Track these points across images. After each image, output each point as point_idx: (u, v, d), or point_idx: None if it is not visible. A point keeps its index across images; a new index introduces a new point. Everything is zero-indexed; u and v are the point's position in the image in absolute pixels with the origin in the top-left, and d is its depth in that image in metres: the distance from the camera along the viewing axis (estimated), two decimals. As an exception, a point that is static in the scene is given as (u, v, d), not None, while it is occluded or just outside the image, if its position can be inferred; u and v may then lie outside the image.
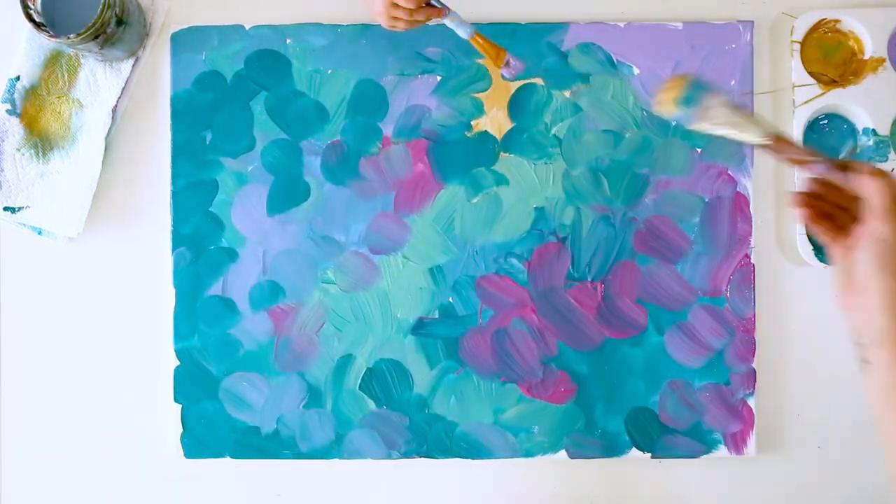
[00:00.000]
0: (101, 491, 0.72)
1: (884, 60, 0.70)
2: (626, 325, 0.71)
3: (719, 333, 0.70)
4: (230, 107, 0.72)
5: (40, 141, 0.71)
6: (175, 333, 0.71)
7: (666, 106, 0.53)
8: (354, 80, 0.71)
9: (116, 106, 0.71)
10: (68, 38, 0.65)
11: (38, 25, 0.65)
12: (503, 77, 0.70)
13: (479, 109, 0.71)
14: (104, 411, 0.72)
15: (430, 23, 0.63)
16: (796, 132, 0.70)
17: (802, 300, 0.72)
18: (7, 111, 0.71)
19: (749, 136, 0.52)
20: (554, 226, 0.71)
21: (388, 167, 0.71)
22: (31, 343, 0.72)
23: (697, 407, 0.71)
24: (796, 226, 0.70)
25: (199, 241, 0.71)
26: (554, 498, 0.72)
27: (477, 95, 0.71)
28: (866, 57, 0.71)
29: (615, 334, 0.71)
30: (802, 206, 0.52)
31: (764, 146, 0.51)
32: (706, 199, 0.71)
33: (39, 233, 0.72)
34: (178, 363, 0.71)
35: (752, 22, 0.71)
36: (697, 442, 0.70)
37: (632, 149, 0.71)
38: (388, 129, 0.71)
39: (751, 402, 0.70)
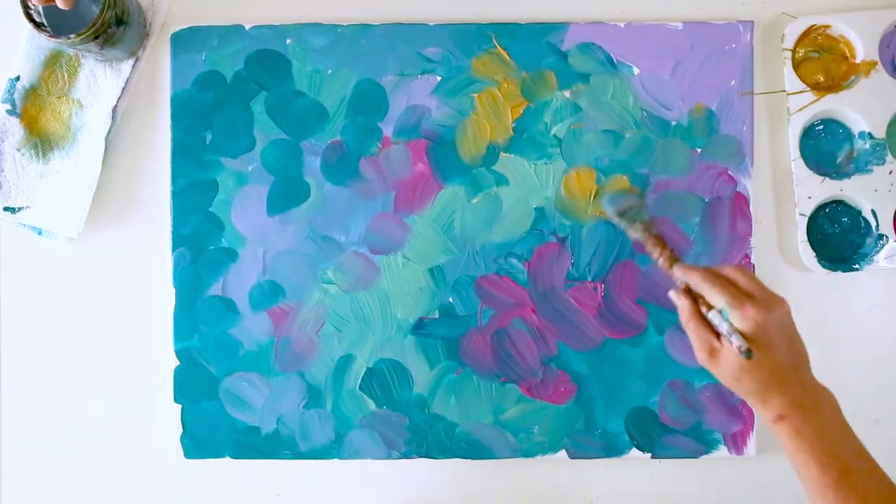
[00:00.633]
0: (101, 491, 0.72)
1: (875, 63, 0.70)
2: (626, 325, 0.71)
3: (719, 333, 0.70)
4: (230, 107, 0.72)
5: (40, 141, 0.71)
6: (175, 333, 0.71)
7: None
8: (354, 80, 0.71)
9: (116, 106, 0.71)
10: (68, 38, 0.65)
11: (38, 25, 0.65)
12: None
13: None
14: (104, 411, 0.72)
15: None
16: (792, 139, 0.70)
17: (802, 300, 0.72)
18: (7, 111, 0.71)
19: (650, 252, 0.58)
20: (554, 226, 0.71)
21: (388, 167, 0.71)
22: (31, 343, 0.72)
23: (697, 407, 0.70)
24: (798, 232, 0.70)
25: (199, 241, 0.71)
26: (554, 498, 0.72)
27: (476, 96, 0.71)
28: (858, 61, 0.71)
29: (615, 334, 0.71)
30: (685, 298, 0.55)
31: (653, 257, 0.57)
32: (706, 199, 0.71)
33: (39, 233, 0.72)
34: (178, 363, 0.71)
35: (752, 22, 0.71)
36: (697, 442, 0.70)
37: (632, 149, 0.71)
38: (388, 129, 0.71)
39: (751, 402, 0.70)
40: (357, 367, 0.71)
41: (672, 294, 0.56)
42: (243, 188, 0.71)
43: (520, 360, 0.71)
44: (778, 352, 0.52)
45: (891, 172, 0.70)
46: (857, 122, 0.71)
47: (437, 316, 0.71)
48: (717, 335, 0.53)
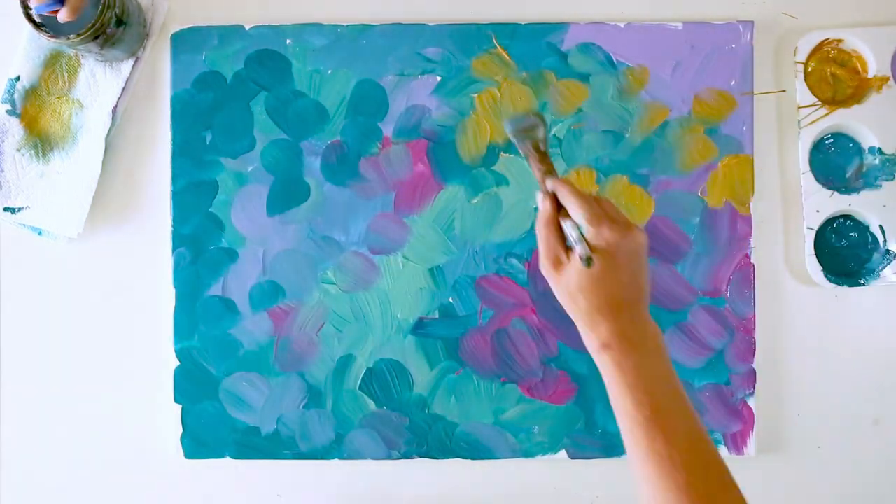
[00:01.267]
0: (102, 491, 0.72)
1: (888, 79, 0.70)
2: (626, 325, 0.71)
3: (719, 333, 0.70)
4: (230, 107, 0.72)
5: (40, 141, 0.71)
6: (175, 334, 0.71)
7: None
8: (354, 80, 0.71)
9: (116, 106, 0.71)
10: (68, 38, 0.65)
11: (38, 26, 0.65)
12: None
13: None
14: (104, 411, 0.72)
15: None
16: (802, 153, 0.70)
17: (803, 300, 0.72)
18: (7, 111, 0.71)
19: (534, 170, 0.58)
20: (554, 226, 0.71)
21: (388, 167, 0.71)
22: (31, 343, 0.72)
23: (697, 407, 0.70)
24: (805, 245, 0.70)
25: (199, 242, 0.71)
26: (554, 498, 0.72)
27: (476, 96, 0.71)
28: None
29: (615, 334, 0.71)
30: (548, 203, 0.55)
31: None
32: (706, 200, 0.71)
33: (39, 233, 0.72)
34: (178, 363, 0.71)
35: (753, 22, 0.71)
36: (697, 442, 0.70)
37: (632, 149, 0.71)
38: (388, 129, 0.71)
39: (751, 402, 0.70)
40: (357, 368, 0.71)
41: (538, 196, 0.56)
42: (243, 188, 0.71)
43: (520, 360, 0.71)
44: (619, 278, 0.52)
45: None
46: (868, 137, 0.71)
47: (437, 316, 0.71)
48: (567, 250, 0.53)
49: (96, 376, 0.72)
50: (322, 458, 0.71)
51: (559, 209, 0.55)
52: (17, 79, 0.71)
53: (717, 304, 0.71)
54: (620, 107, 0.71)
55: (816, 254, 0.70)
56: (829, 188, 0.70)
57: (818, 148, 0.71)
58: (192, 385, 0.71)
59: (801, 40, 0.70)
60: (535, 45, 0.71)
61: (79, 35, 0.64)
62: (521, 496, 0.72)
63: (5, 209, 0.71)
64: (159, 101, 0.72)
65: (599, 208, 0.53)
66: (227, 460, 0.71)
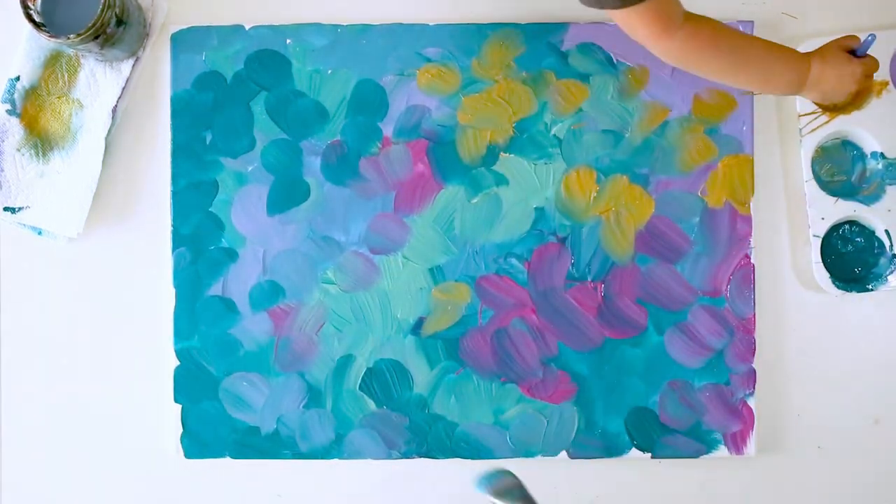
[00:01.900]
0: (102, 491, 0.72)
1: (887, 83, 0.70)
2: (626, 325, 0.71)
3: (719, 333, 0.70)
4: (230, 107, 0.72)
5: (40, 141, 0.71)
6: (175, 333, 0.71)
7: None
8: (354, 80, 0.71)
9: (116, 106, 0.71)
10: (68, 38, 0.65)
11: (37, 26, 0.65)
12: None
13: (479, 109, 0.72)
14: (104, 411, 0.72)
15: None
16: (805, 161, 0.70)
17: (802, 300, 0.72)
18: (7, 111, 0.71)
19: None
20: (554, 226, 0.71)
21: (388, 167, 0.71)
22: (31, 343, 0.72)
23: (697, 407, 0.71)
24: (812, 253, 0.70)
25: (199, 241, 0.71)
26: (554, 498, 0.72)
27: (476, 96, 0.71)
28: None
29: (615, 334, 0.71)
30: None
31: None
32: (706, 199, 0.71)
33: (39, 233, 0.72)
34: (178, 363, 0.71)
35: (752, 22, 0.71)
36: (697, 442, 0.70)
37: (632, 149, 0.71)
38: (388, 129, 0.71)
39: (751, 402, 0.70)
40: (357, 368, 0.71)
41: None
42: (243, 188, 0.71)
43: (520, 360, 0.71)
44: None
45: None
46: (870, 143, 0.70)
47: (437, 316, 0.71)
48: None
49: (96, 376, 0.72)
50: (322, 458, 0.71)
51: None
52: (17, 79, 0.71)
53: (717, 304, 0.71)
54: (620, 107, 0.71)
55: (823, 259, 0.70)
56: (833, 194, 0.70)
57: (821, 155, 0.71)
58: (192, 385, 0.71)
59: (800, 46, 0.70)
60: (535, 45, 0.71)
61: (79, 35, 0.64)
62: (521, 496, 0.72)
63: (5, 209, 0.71)
64: (159, 101, 0.72)
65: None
66: (227, 460, 0.71)
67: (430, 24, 0.71)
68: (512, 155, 0.71)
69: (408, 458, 0.71)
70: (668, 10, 0.56)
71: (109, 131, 0.71)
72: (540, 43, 0.71)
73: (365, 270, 0.71)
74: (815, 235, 0.70)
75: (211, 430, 0.71)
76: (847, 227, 0.71)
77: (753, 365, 0.71)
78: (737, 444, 0.71)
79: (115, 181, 0.72)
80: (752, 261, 0.71)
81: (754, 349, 0.71)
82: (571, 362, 0.71)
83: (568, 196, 0.71)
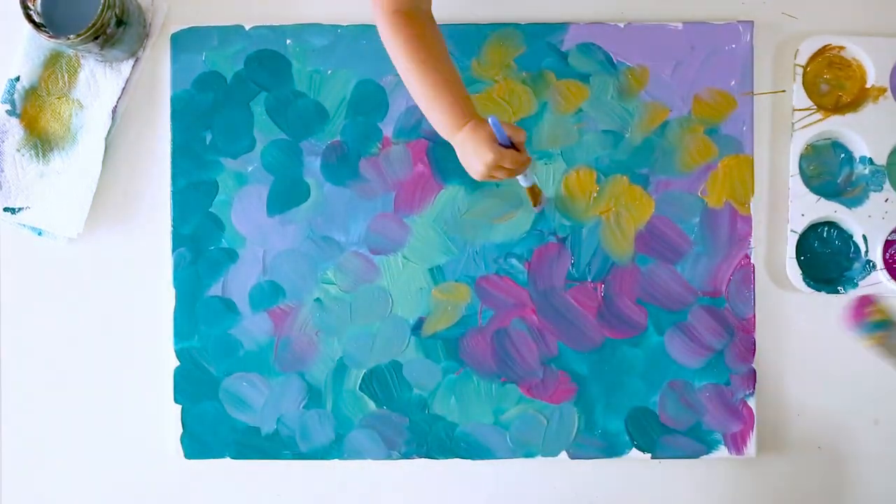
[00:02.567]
0: (102, 491, 0.72)
1: (885, 90, 0.70)
2: (626, 326, 0.71)
3: (719, 333, 0.70)
4: (230, 107, 0.72)
5: (40, 141, 0.71)
6: (175, 334, 0.71)
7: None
8: (354, 81, 0.71)
9: (116, 106, 0.71)
10: (68, 38, 0.65)
11: (37, 26, 0.65)
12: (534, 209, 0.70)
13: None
14: (104, 412, 0.72)
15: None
16: (793, 156, 0.70)
17: (802, 300, 0.72)
18: (7, 111, 0.71)
19: None
20: (554, 226, 0.71)
21: (388, 167, 0.71)
22: (31, 343, 0.72)
23: (697, 407, 0.70)
24: (787, 248, 0.70)
25: (199, 242, 0.71)
26: (554, 498, 0.72)
27: (476, 96, 0.71)
28: (868, 85, 0.71)
29: (615, 334, 0.71)
30: None
31: None
32: (706, 199, 0.71)
33: (39, 233, 0.72)
34: (178, 363, 0.71)
35: (752, 22, 0.71)
36: (697, 442, 0.70)
37: (632, 149, 0.71)
38: (388, 129, 0.71)
39: (751, 402, 0.70)
40: (357, 368, 0.71)
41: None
42: (243, 188, 0.71)
43: (520, 360, 0.71)
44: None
45: (886, 200, 0.70)
46: (860, 146, 0.70)
47: (437, 316, 0.71)
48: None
49: (96, 376, 0.72)
50: (322, 458, 0.71)
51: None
52: (17, 79, 0.71)
53: (717, 305, 0.71)
54: (620, 107, 0.71)
55: (799, 257, 0.70)
56: (817, 193, 0.70)
57: (810, 152, 0.71)
58: (192, 385, 0.71)
59: (803, 43, 0.70)
60: (535, 45, 0.71)
61: (79, 35, 0.64)
62: (521, 496, 0.72)
63: (5, 209, 0.71)
64: (159, 101, 0.72)
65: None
66: (227, 460, 0.71)
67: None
68: (512, 155, 0.71)
69: (408, 458, 0.71)
70: None
71: (109, 131, 0.71)
72: (540, 43, 0.71)
73: (365, 270, 0.71)
74: (792, 231, 0.70)
75: (211, 431, 0.71)
76: (826, 228, 0.71)
77: (753, 365, 0.71)
78: (737, 444, 0.71)
79: (115, 181, 0.72)
80: (752, 261, 0.71)
81: (754, 349, 0.71)
82: (571, 362, 0.71)
83: (568, 196, 0.71)
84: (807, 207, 0.70)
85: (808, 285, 0.70)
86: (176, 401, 0.71)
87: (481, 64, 0.71)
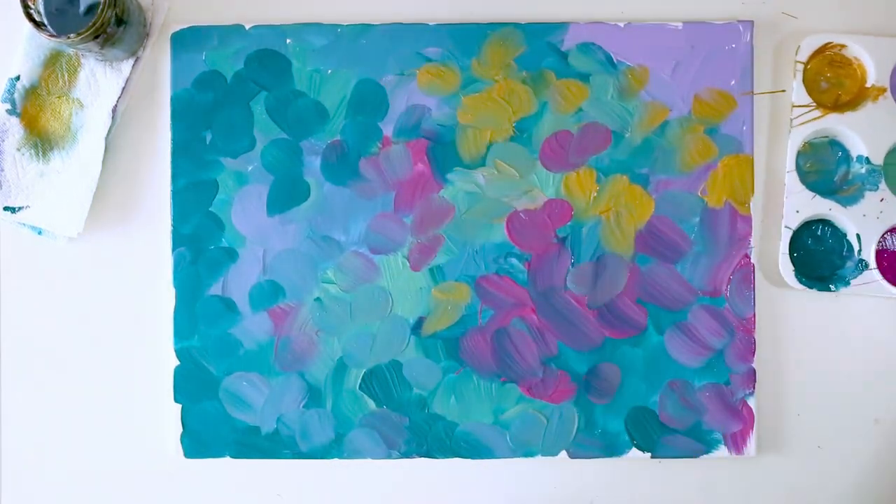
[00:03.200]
0: (101, 491, 0.72)
1: (885, 90, 0.70)
2: (626, 325, 0.71)
3: (719, 333, 0.71)
4: (230, 107, 0.72)
5: (40, 141, 0.72)
6: (175, 333, 0.71)
7: None
8: (354, 80, 0.71)
9: (116, 106, 0.71)
10: (68, 37, 0.65)
11: (38, 25, 0.65)
12: None
13: (479, 109, 0.72)
14: (104, 411, 0.72)
15: None
16: (790, 152, 0.70)
17: (803, 300, 0.72)
18: (7, 111, 0.71)
19: None
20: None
21: (388, 167, 0.71)
22: (30, 343, 0.72)
23: (697, 407, 0.71)
24: (780, 244, 0.70)
25: (199, 241, 0.71)
26: (554, 498, 0.72)
27: (476, 96, 0.71)
28: (868, 85, 0.71)
29: (615, 334, 0.71)
30: None
31: None
32: (706, 199, 0.71)
33: (39, 233, 0.72)
34: (178, 363, 0.71)
35: (752, 22, 0.71)
36: (697, 442, 0.70)
37: (632, 149, 0.71)
38: (388, 129, 0.71)
39: (751, 402, 0.70)
40: (357, 367, 0.71)
41: None
42: (243, 188, 0.71)
43: (520, 360, 0.71)
44: None
45: (882, 200, 0.70)
46: (857, 145, 0.71)
47: (437, 315, 0.71)
48: None
49: (96, 376, 0.72)
50: (322, 458, 0.71)
51: None
52: (17, 78, 0.71)
53: (717, 304, 0.71)
54: (620, 106, 0.71)
55: (792, 253, 0.70)
56: (813, 190, 0.70)
57: (807, 150, 0.71)
58: (192, 385, 0.71)
59: (804, 40, 0.70)
60: (535, 45, 0.71)
61: (79, 34, 0.64)
62: (521, 496, 0.72)
63: (5, 209, 0.71)
64: (159, 101, 0.72)
65: None
66: (227, 460, 0.71)
67: (431, 23, 0.71)
68: (512, 155, 0.71)
69: (408, 457, 0.71)
70: None
71: (109, 131, 0.71)
72: (540, 43, 0.71)
73: (365, 270, 0.71)
74: (786, 227, 0.70)
75: (211, 430, 0.71)
76: (820, 226, 0.71)
77: (753, 365, 0.71)
78: (737, 443, 0.71)
79: (115, 181, 0.72)
80: (752, 261, 0.71)
81: (754, 349, 0.71)
82: (571, 362, 0.71)
83: (568, 196, 0.71)
84: (802, 204, 0.70)
85: (801, 282, 0.70)
86: (176, 400, 0.71)
87: (481, 63, 0.71)
